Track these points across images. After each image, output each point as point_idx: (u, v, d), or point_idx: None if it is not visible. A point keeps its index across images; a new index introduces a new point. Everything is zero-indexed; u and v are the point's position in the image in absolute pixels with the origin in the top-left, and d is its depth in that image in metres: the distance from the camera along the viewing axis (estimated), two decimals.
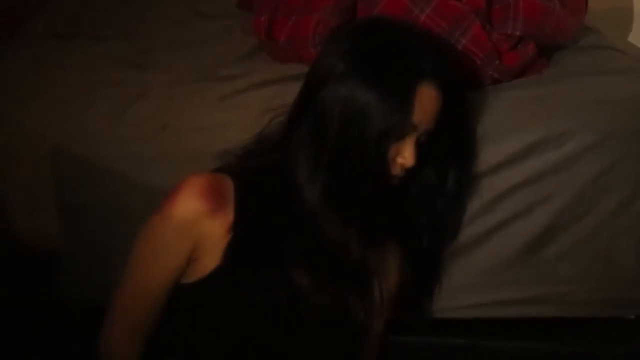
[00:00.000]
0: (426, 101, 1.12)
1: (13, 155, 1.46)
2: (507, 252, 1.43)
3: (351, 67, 1.10)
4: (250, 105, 1.45)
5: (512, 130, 1.38)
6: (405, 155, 1.14)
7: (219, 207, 1.13)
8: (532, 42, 1.50)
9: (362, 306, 1.20)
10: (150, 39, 1.83)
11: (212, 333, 1.17)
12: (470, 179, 1.35)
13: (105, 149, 1.43)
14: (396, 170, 1.15)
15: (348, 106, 1.10)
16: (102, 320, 1.23)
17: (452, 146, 1.26)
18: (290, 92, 1.24)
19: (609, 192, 1.40)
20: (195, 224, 1.12)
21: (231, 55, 1.69)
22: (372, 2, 1.47)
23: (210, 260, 1.15)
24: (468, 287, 1.45)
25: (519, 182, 1.39)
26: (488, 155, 1.38)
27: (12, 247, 1.50)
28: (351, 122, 1.10)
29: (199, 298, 1.16)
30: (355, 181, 1.14)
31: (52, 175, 1.46)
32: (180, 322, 1.19)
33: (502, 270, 1.44)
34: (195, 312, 1.17)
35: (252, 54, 1.70)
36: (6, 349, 1.48)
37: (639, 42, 2.07)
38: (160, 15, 2.00)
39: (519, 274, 1.45)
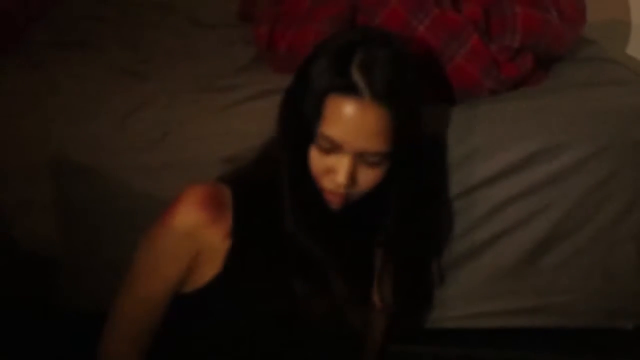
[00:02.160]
0: (351, 118, 1.05)
1: (14, 163, 1.46)
2: (506, 262, 1.44)
3: (301, 68, 1.14)
4: (250, 115, 1.46)
5: (510, 141, 1.39)
6: (336, 171, 1.09)
7: (218, 216, 1.14)
8: (530, 53, 1.51)
9: (358, 314, 1.20)
10: (151, 49, 1.84)
11: (211, 341, 1.18)
12: (438, 197, 1.34)
13: (107, 157, 1.44)
14: (327, 183, 1.11)
15: (286, 105, 1.15)
16: (102, 328, 1.23)
17: (410, 166, 1.17)
18: None
19: (607, 202, 1.41)
20: (195, 234, 1.13)
21: (232, 65, 1.70)
22: (371, 14, 1.48)
23: (209, 269, 1.15)
24: (466, 297, 1.46)
25: (517, 192, 1.40)
26: (486, 165, 1.39)
27: (13, 254, 1.50)
28: (285, 123, 1.15)
29: (199, 307, 1.17)
30: (292, 187, 1.15)
31: (54, 183, 1.46)
32: (179, 332, 1.19)
33: (500, 280, 1.45)
34: (195, 321, 1.18)
35: (252, 64, 1.71)
36: (5, 355, 1.47)
37: (636, 54, 2.09)
38: (160, 25, 2.01)
39: (517, 284, 1.46)
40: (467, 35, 1.44)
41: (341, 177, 1.08)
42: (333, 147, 1.07)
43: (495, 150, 1.39)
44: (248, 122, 1.43)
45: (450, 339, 1.48)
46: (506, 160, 1.39)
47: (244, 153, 1.26)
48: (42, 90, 1.59)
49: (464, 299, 1.45)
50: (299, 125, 1.10)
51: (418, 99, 1.12)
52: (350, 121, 1.05)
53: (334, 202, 1.13)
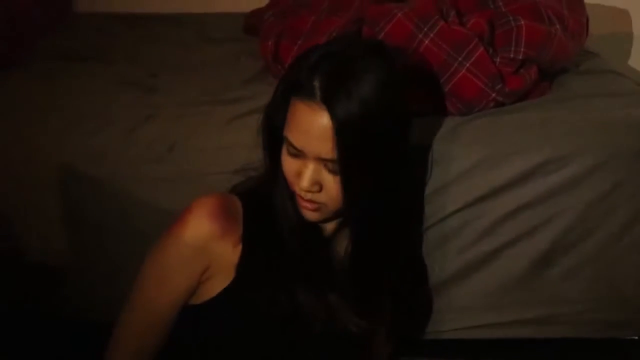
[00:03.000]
0: (303, 121, 1.05)
1: (23, 174, 1.47)
2: (511, 273, 1.44)
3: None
4: (256, 127, 1.47)
5: (516, 152, 1.40)
6: (301, 175, 1.08)
7: (228, 229, 1.13)
8: (534, 65, 1.52)
9: (356, 323, 1.19)
10: (158, 63, 1.86)
11: (215, 350, 1.16)
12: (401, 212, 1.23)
13: (114, 169, 1.45)
14: (296, 187, 1.11)
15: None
16: (107, 339, 1.22)
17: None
18: None
19: (612, 213, 1.42)
20: (207, 247, 1.12)
21: (238, 78, 1.72)
22: (377, 26, 1.50)
23: (219, 281, 1.14)
24: (472, 308, 1.46)
25: (523, 203, 1.41)
26: (492, 177, 1.40)
27: (22, 265, 1.51)
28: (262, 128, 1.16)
29: (205, 318, 1.16)
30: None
31: (62, 195, 1.47)
32: (182, 341, 1.19)
33: (506, 291, 1.45)
34: (200, 330, 1.17)
35: (258, 77, 1.72)
36: None
37: (638, 66, 2.10)
38: (167, 39, 2.04)
39: (523, 295, 1.46)
40: (473, 47, 1.45)
41: (303, 181, 1.07)
42: (298, 152, 1.07)
43: (500, 162, 1.39)
44: (254, 134, 1.43)
45: (456, 350, 1.48)
46: (512, 171, 1.40)
47: (253, 164, 1.26)
48: (50, 102, 1.60)
49: (470, 310, 1.46)
50: (270, 130, 1.12)
51: (380, 111, 1.04)
52: (303, 125, 1.04)
53: (307, 211, 1.11)
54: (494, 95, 1.47)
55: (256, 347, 1.16)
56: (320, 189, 1.08)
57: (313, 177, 1.07)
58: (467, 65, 1.45)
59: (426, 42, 1.46)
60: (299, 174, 1.08)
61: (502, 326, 1.47)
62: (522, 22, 1.50)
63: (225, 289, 1.14)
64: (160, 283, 1.15)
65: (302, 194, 1.10)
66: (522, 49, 1.48)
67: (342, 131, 1.02)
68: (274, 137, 1.12)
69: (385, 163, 1.10)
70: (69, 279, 1.52)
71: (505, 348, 1.49)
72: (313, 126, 1.03)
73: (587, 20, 1.68)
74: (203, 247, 1.12)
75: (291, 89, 1.06)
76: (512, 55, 1.49)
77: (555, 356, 1.51)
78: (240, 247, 1.14)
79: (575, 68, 1.71)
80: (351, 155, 1.04)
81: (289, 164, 1.09)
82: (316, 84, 1.03)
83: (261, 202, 1.17)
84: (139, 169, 1.46)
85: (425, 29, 1.46)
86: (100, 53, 1.91)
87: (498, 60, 1.49)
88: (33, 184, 1.48)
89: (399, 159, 1.12)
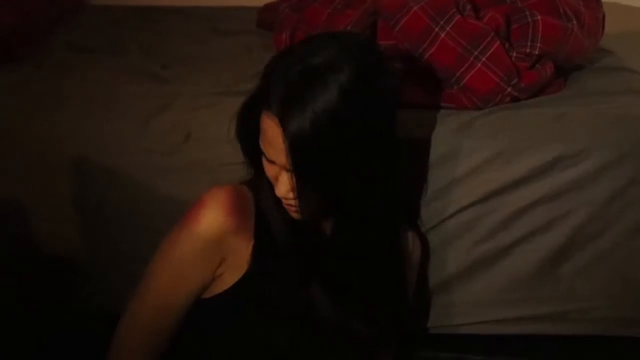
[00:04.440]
0: (268, 133, 1.03)
1: (36, 164, 1.47)
2: (525, 268, 1.43)
3: None
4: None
5: (530, 148, 1.39)
6: (277, 181, 1.07)
7: (242, 222, 1.12)
8: (550, 61, 1.52)
9: (364, 322, 1.18)
10: (171, 55, 1.86)
11: (224, 344, 1.16)
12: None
13: (129, 159, 1.45)
14: (276, 192, 1.09)
15: None
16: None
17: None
18: None
19: (628, 209, 1.41)
20: (222, 241, 1.11)
21: (251, 70, 1.71)
22: (392, 20, 1.49)
23: (231, 274, 1.13)
24: (485, 303, 1.45)
25: (537, 199, 1.40)
26: (507, 171, 1.39)
27: (31, 254, 1.51)
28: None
29: (215, 311, 1.15)
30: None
31: (75, 185, 1.47)
32: (191, 333, 1.18)
33: (519, 286, 1.44)
34: (210, 324, 1.16)
35: None
36: (24, 355, 1.48)
37: None
38: (179, 32, 2.04)
39: (536, 291, 1.45)
40: (489, 42, 1.45)
41: (277, 189, 1.07)
42: (271, 160, 1.06)
43: (515, 156, 1.39)
44: None
45: (468, 345, 1.48)
46: (527, 166, 1.39)
47: None
48: (63, 93, 1.60)
49: (482, 304, 1.45)
50: (245, 137, 1.12)
51: (340, 125, 0.99)
52: (268, 137, 1.03)
53: (291, 211, 1.10)
54: (509, 89, 1.46)
55: (266, 341, 1.15)
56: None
57: (287, 185, 1.05)
58: (483, 59, 1.44)
59: (442, 35, 1.45)
60: (276, 180, 1.07)
61: (514, 322, 1.46)
62: (539, 17, 1.49)
63: (237, 283, 1.13)
64: (175, 278, 1.13)
65: (282, 199, 1.09)
66: (539, 44, 1.48)
67: (293, 147, 0.99)
68: (251, 144, 1.09)
69: (354, 174, 1.04)
70: (80, 270, 1.52)
71: (517, 344, 1.48)
72: (274, 139, 1.01)
73: (604, 17, 1.67)
74: (218, 241, 1.11)
75: (258, 99, 1.04)
76: (528, 50, 1.48)
77: (568, 353, 1.50)
78: (252, 240, 1.13)
79: (590, 65, 1.70)
80: (305, 169, 1.02)
81: (267, 170, 1.08)
82: (273, 96, 1.00)
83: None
84: (153, 159, 1.45)
85: (442, 23, 1.46)
86: (112, 45, 1.92)
87: (514, 55, 1.48)
88: (46, 175, 1.48)
89: (370, 168, 1.06)
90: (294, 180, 1.03)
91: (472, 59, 1.44)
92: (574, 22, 1.53)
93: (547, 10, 1.52)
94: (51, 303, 1.53)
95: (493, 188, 1.39)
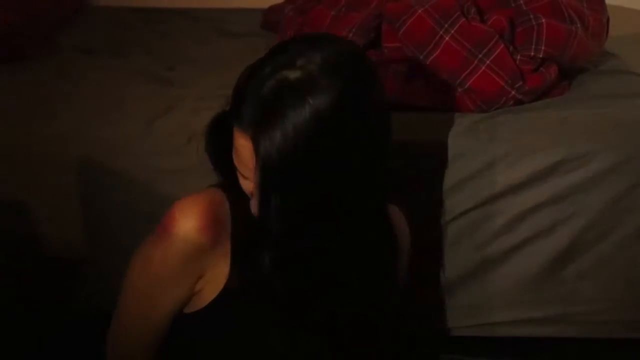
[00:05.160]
0: (241, 150, 0.94)
1: (41, 165, 1.48)
2: (528, 271, 1.44)
3: None
4: None
5: (534, 150, 1.40)
6: (252, 199, 0.99)
7: (217, 235, 1.03)
8: (554, 64, 1.52)
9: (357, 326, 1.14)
10: (177, 56, 1.87)
11: (212, 357, 1.10)
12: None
13: (133, 161, 1.45)
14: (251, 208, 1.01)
15: None
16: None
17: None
18: None
19: (630, 212, 1.41)
20: (197, 259, 1.03)
21: None
22: (397, 23, 1.50)
23: (210, 290, 1.06)
24: (488, 305, 1.46)
25: (541, 201, 1.40)
26: (511, 174, 1.39)
27: (34, 255, 1.52)
28: None
29: (202, 325, 1.08)
30: None
31: (79, 185, 1.48)
32: (180, 348, 1.11)
33: (522, 289, 1.45)
34: (198, 338, 1.10)
35: None
36: (22, 356, 1.48)
37: None
38: (184, 33, 2.04)
39: (539, 293, 1.46)
40: (493, 45, 1.45)
41: (253, 206, 0.98)
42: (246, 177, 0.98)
43: (519, 159, 1.39)
44: None
45: (471, 348, 1.48)
46: (530, 169, 1.39)
47: None
48: (68, 94, 1.61)
49: (486, 307, 1.45)
50: (216, 152, 1.06)
51: (313, 145, 0.90)
52: (238, 151, 0.95)
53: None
54: (513, 92, 1.46)
55: (252, 352, 1.10)
56: None
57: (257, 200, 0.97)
58: (488, 62, 1.45)
59: (447, 38, 1.45)
60: (252, 195, 0.99)
61: (518, 324, 1.46)
62: (543, 21, 1.50)
63: (216, 298, 1.06)
64: (150, 296, 1.07)
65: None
66: (543, 47, 1.48)
67: (264, 167, 0.91)
68: (224, 158, 1.01)
69: (333, 192, 0.95)
70: (84, 270, 1.52)
71: (520, 346, 1.48)
72: (246, 157, 0.94)
73: (608, 20, 1.67)
74: (194, 259, 1.03)
75: (230, 112, 0.96)
76: (532, 54, 1.49)
77: (570, 356, 1.50)
78: (229, 254, 1.05)
79: (595, 68, 1.70)
80: (278, 190, 0.93)
81: (243, 184, 1.00)
82: (245, 112, 0.92)
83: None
84: (157, 160, 1.46)
85: (446, 26, 1.46)
86: (117, 46, 1.92)
87: (518, 58, 1.49)
88: (49, 175, 1.48)
89: (352, 185, 0.96)
90: (268, 199, 0.94)
91: (476, 62, 1.44)
92: (578, 25, 1.54)
93: (551, 13, 1.52)
94: (51, 303, 1.53)
95: (497, 191, 1.40)
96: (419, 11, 1.48)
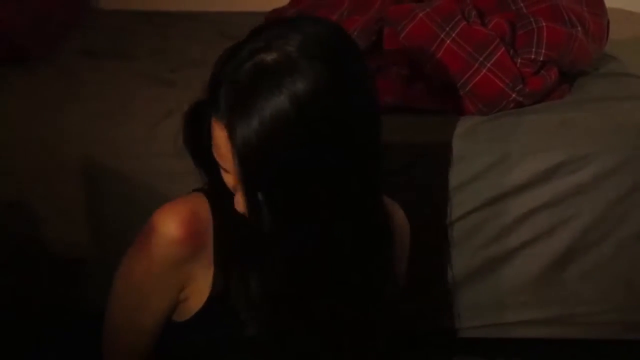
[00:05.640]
0: (218, 140, 0.89)
1: (46, 167, 1.49)
2: (529, 272, 1.45)
3: None
4: None
5: (535, 153, 1.41)
6: (235, 195, 0.94)
7: (199, 245, 0.99)
8: (554, 67, 1.53)
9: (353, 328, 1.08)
10: (179, 59, 1.88)
11: None
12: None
13: (137, 163, 1.47)
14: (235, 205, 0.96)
15: None
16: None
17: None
18: None
19: (631, 214, 1.42)
20: (178, 269, 1.00)
21: None
22: (398, 26, 1.51)
23: (195, 300, 1.03)
24: (489, 306, 1.47)
25: (541, 203, 1.42)
26: (511, 176, 1.41)
27: (39, 255, 1.53)
28: None
29: (190, 335, 1.06)
30: None
31: (84, 188, 1.49)
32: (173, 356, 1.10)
33: (523, 290, 1.46)
34: (187, 348, 1.07)
35: None
36: (21, 356, 1.49)
37: None
38: (189, 36, 2.05)
39: (540, 295, 1.47)
40: (494, 48, 1.46)
41: (237, 202, 0.93)
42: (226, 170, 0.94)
43: (520, 161, 1.40)
44: None
45: (471, 349, 1.49)
46: (531, 171, 1.41)
47: None
48: (73, 96, 1.62)
49: (486, 308, 1.46)
50: (194, 145, 1.01)
51: (295, 133, 0.85)
52: (215, 142, 0.90)
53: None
54: (514, 95, 1.47)
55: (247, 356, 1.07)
56: None
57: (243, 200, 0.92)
58: (488, 65, 1.46)
59: (448, 41, 1.47)
60: (235, 190, 0.94)
61: (518, 325, 1.47)
62: (543, 24, 1.51)
63: (205, 305, 1.03)
64: (135, 304, 1.05)
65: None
66: (543, 51, 1.49)
67: (241, 158, 0.86)
68: (205, 152, 0.96)
69: (318, 185, 0.88)
70: (87, 272, 1.53)
71: (520, 348, 1.49)
72: (223, 148, 0.88)
73: (608, 23, 1.68)
74: (175, 268, 1.00)
75: (208, 100, 0.91)
76: (533, 57, 1.50)
77: (570, 357, 1.51)
78: (212, 263, 1.02)
79: (595, 71, 1.71)
80: (258, 182, 0.88)
81: (225, 179, 0.95)
82: (221, 99, 0.87)
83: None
84: (161, 162, 1.47)
85: (447, 29, 1.47)
86: (122, 49, 1.93)
87: (519, 61, 1.50)
88: (54, 177, 1.50)
89: (339, 176, 0.89)
90: (253, 195, 0.89)
91: (477, 65, 1.46)
92: (579, 28, 1.55)
93: (551, 16, 1.53)
94: (52, 303, 1.54)
95: (497, 193, 1.41)
96: (420, 15, 1.49)
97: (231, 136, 0.86)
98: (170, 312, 1.05)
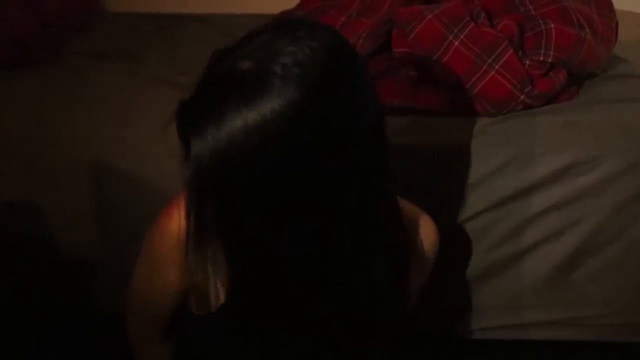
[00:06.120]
0: None
1: (53, 168, 1.50)
2: (537, 274, 1.45)
3: None
4: None
5: (543, 155, 1.41)
6: None
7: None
8: (563, 69, 1.53)
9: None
10: (188, 61, 1.87)
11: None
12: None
13: (145, 165, 1.47)
14: None
15: None
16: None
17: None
18: None
19: (639, 217, 1.42)
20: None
21: None
22: (407, 28, 1.51)
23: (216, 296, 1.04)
24: (497, 308, 1.47)
25: (549, 205, 1.41)
26: (520, 178, 1.40)
27: (51, 258, 1.54)
28: None
29: (213, 328, 1.07)
30: None
31: (92, 189, 1.50)
32: (192, 348, 1.12)
33: (531, 292, 1.46)
34: (207, 339, 1.09)
35: None
36: (21, 355, 1.49)
37: None
38: (197, 38, 2.06)
39: (548, 296, 1.46)
40: (502, 50, 1.46)
41: None
42: None
43: (528, 163, 1.40)
44: None
45: (478, 351, 1.48)
46: (539, 173, 1.40)
47: None
48: (81, 98, 1.63)
49: (494, 310, 1.46)
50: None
51: (246, 160, 0.80)
52: None
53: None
54: (522, 97, 1.47)
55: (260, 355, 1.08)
56: None
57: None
58: (497, 67, 1.46)
59: (456, 43, 1.47)
60: None
61: (526, 327, 1.47)
62: (552, 26, 1.51)
63: (220, 308, 1.04)
64: (151, 278, 1.09)
65: None
66: (552, 52, 1.49)
67: (194, 176, 0.85)
68: None
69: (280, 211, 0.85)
70: (96, 272, 1.54)
71: (524, 350, 1.49)
72: None
73: (617, 25, 1.68)
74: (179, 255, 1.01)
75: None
76: (541, 58, 1.50)
77: (579, 359, 1.50)
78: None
79: (604, 73, 1.71)
80: (211, 193, 0.86)
81: None
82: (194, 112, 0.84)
83: None
84: (170, 165, 1.47)
85: (456, 31, 1.48)
86: (130, 51, 1.94)
87: (527, 62, 1.50)
88: (63, 179, 1.51)
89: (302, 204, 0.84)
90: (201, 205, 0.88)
91: (485, 66, 1.46)
92: (587, 30, 1.55)
93: (560, 18, 1.53)
94: (56, 303, 1.55)
95: (506, 194, 1.41)
96: (429, 16, 1.49)
97: (187, 148, 0.85)
98: (179, 291, 1.05)
